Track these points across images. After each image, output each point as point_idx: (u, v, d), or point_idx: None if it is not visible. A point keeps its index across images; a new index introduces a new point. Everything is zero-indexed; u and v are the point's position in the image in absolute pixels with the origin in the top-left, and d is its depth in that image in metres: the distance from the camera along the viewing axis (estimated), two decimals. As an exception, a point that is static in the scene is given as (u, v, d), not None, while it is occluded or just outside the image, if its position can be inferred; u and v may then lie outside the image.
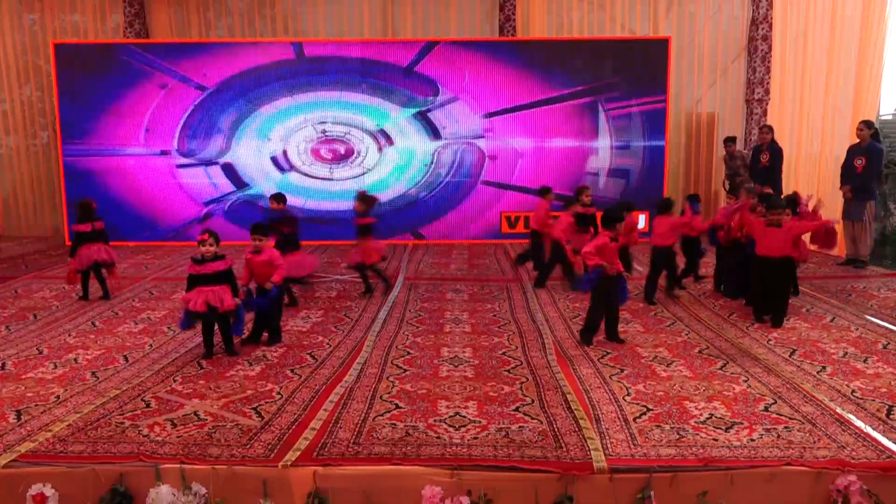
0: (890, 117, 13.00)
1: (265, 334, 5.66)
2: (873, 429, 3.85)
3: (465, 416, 4.10)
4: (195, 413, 4.16)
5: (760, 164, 9.53)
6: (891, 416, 4.04)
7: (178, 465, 3.47)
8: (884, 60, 11.27)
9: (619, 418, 4.04)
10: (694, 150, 11.83)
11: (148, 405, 4.31)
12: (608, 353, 5.31)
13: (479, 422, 4.01)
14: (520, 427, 3.94)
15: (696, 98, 11.77)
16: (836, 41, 11.41)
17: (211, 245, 5.23)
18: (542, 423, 4.00)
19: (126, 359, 5.28)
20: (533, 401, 4.35)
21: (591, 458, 3.51)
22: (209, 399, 4.40)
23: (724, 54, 11.68)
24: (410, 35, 11.63)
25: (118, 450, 3.66)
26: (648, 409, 4.17)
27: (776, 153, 9.49)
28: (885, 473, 3.39)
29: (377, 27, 11.82)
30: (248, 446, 3.70)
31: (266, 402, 4.34)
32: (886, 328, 5.88)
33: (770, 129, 9.67)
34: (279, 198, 7.72)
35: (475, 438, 3.79)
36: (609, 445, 3.67)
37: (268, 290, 5.49)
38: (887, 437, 3.74)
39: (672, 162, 11.47)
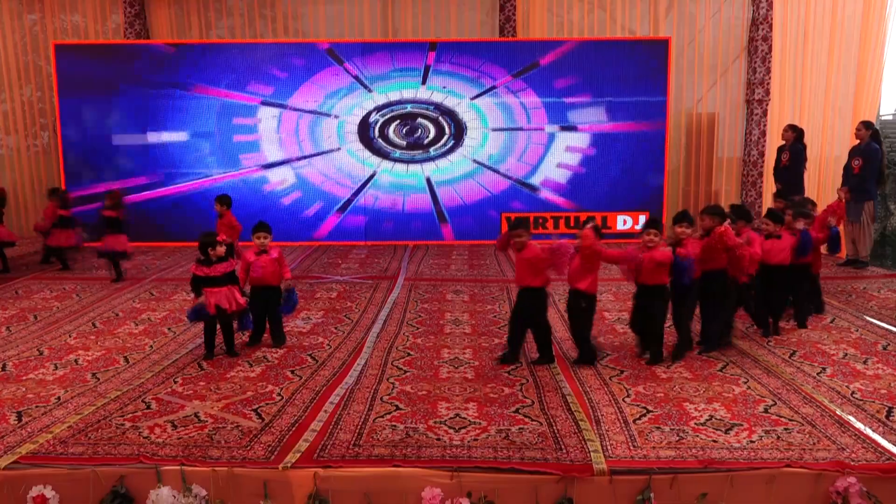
0: (890, 117, 13.03)
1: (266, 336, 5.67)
2: (873, 430, 3.86)
3: (465, 418, 4.10)
4: (196, 414, 4.17)
5: (781, 163, 9.40)
6: (890, 418, 4.04)
7: (179, 467, 3.49)
8: (884, 60, 11.27)
9: (618, 420, 4.05)
10: (694, 150, 11.82)
11: (148, 406, 4.31)
12: (608, 354, 5.32)
13: (480, 423, 4.02)
14: (520, 429, 3.94)
15: (696, 98, 11.77)
16: (836, 41, 11.40)
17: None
18: (542, 424, 4.01)
19: (126, 360, 5.29)
20: (533, 402, 4.35)
21: (590, 460, 3.52)
22: (210, 400, 4.41)
23: (724, 54, 11.66)
24: (411, 35, 11.64)
25: (119, 451, 3.67)
26: (648, 411, 4.18)
27: (797, 153, 9.26)
28: (884, 475, 3.40)
29: (377, 27, 11.83)
30: (248, 448, 3.71)
31: (266, 404, 4.34)
32: (886, 329, 5.88)
33: (792, 128, 9.38)
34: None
35: (475, 440, 3.80)
36: (609, 447, 3.68)
37: (287, 290, 5.56)
38: (887, 439, 3.75)
39: (672, 162, 11.47)
